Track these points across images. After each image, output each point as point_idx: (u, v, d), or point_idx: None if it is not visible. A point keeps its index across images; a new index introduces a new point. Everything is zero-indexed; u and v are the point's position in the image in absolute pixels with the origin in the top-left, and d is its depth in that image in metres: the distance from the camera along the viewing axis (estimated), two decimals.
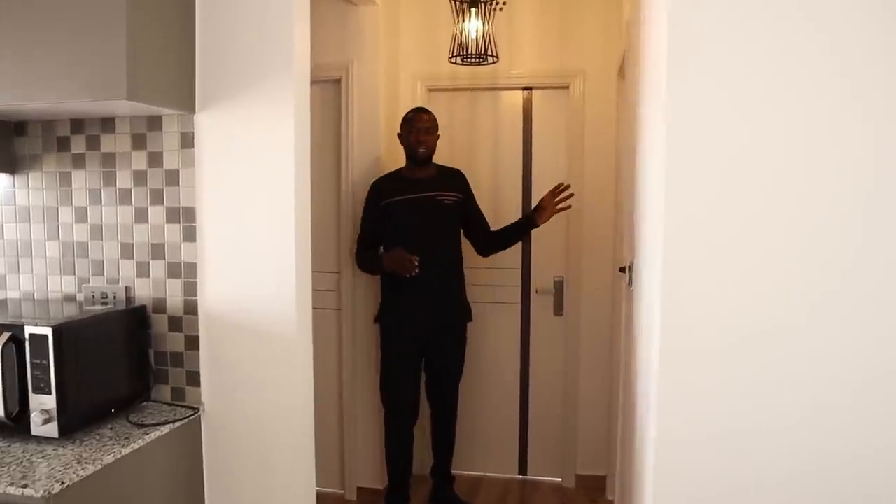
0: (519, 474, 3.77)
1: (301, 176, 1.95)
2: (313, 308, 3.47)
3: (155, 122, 1.98)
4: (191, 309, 2.01)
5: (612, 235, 3.46)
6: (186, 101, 1.93)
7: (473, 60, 3.07)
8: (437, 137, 3.16)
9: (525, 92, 3.60)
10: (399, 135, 3.17)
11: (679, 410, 1.46)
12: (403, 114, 3.57)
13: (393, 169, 3.31)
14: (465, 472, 3.63)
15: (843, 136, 1.35)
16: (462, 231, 3.27)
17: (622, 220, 2.74)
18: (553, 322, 3.65)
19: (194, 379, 2.02)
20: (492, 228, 3.33)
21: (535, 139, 3.61)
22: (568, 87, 3.51)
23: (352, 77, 3.29)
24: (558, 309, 3.61)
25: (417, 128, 3.08)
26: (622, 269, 2.49)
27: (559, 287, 3.60)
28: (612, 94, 3.41)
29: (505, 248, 3.33)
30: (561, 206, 3.13)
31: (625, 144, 2.57)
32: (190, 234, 1.99)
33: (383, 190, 3.16)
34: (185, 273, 2.00)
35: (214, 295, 1.98)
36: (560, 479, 3.70)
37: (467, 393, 3.34)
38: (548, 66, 3.50)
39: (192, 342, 2.02)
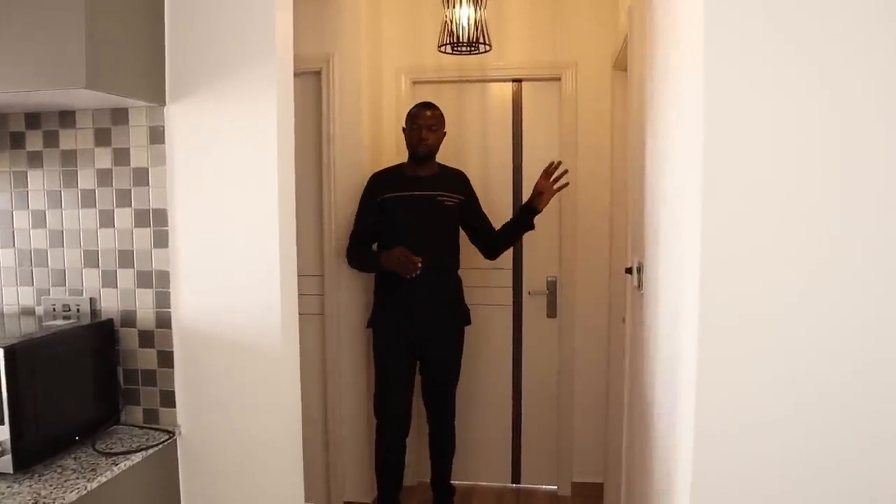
0: (512, 483, 3.62)
1: (285, 173, 1.77)
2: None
3: (120, 116, 1.79)
4: (163, 322, 1.81)
5: (608, 234, 3.32)
6: (155, 92, 1.73)
7: (464, 49, 2.90)
8: (443, 135, 3.02)
9: (514, 84, 3.44)
10: (403, 129, 3.03)
11: (719, 410, 1.30)
12: (387, 108, 3.43)
13: (382, 165, 3.17)
14: (457, 482, 3.46)
15: None
16: (467, 235, 3.14)
17: (627, 219, 2.59)
18: (546, 324, 3.50)
19: (169, 399, 1.83)
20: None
21: (525, 134, 3.46)
22: (559, 79, 3.35)
23: (332, 69, 3.11)
24: (552, 311, 3.47)
25: (419, 124, 2.93)
26: (628, 271, 2.34)
27: (552, 288, 3.45)
28: (606, 86, 3.27)
29: (511, 244, 3.20)
30: (558, 185, 2.96)
31: (632, 139, 2.41)
32: (161, 240, 1.79)
33: (381, 184, 3.02)
34: (157, 282, 1.81)
35: (189, 306, 1.79)
36: (555, 488, 3.56)
37: (459, 395, 3.18)
38: (538, 57, 3.35)
39: (166, 359, 1.82)
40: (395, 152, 3.40)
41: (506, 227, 3.12)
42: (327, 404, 3.26)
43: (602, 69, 3.27)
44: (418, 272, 2.81)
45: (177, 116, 1.75)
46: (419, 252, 2.86)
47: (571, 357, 3.47)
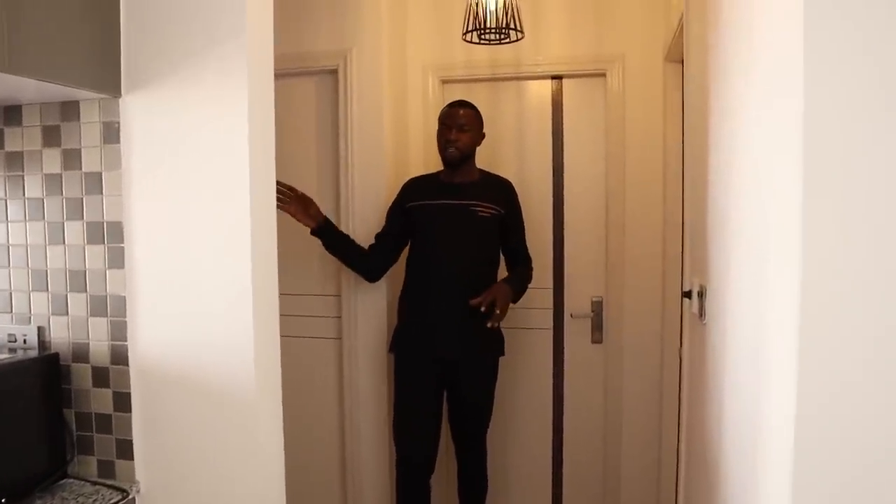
0: None
1: (261, 179, 1.45)
2: (310, 337, 3.02)
3: (70, 110, 1.50)
4: (119, 357, 1.51)
5: (660, 250, 2.93)
6: (108, 80, 1.44)
7: (493, 37, 2.55)
8: (481, 137, 2.68)
9: (554, 82, 3.08)
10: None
11: (821, 462, 0.93)
12: (413, 110, 3.11)
13: (407, 174, 2.88)
14: None
15: None
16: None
17: (684, 234, 2.20)
18: (591, 350, 3.11)
19: (126, 450, 1.53)
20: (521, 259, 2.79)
21: (566, 137, 3.09)
22: (604, 75, 2.98)
23: (350, 67, 2.80)
24: (597, 335, 3.09)
25: (448, 124, 2.60)
26: (685, 294, 1.96)
27: (598, 310, 3.07)
28: (657, 81, 2.89)
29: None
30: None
31: (692, 141, 2.04)
32: (116, 259, 1.49)
33: (412, 191, 2.71)
34: (112, 310, 1.51)
35: (149, 339, 1.49)
36: None
37: (491, 433, 2.82)
38: (580, 51, 2.98)
39: (123, 401, 1.52)
40: (422, 159, 3.07)
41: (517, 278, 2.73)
42: (345, 439, 2.94)
43: (652, 62, 2.89)
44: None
45: (134, 110, 1.46)
46: (450, 268, 2.56)
47: (619, 388, 3.07)
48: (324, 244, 2.62)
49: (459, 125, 2.58)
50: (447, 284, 2.58)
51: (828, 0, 0.88)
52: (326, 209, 2.67)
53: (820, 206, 0.88)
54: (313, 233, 2.59)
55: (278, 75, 2.85)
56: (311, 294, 2.96)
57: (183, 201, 1.44)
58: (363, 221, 2.80)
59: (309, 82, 2.91)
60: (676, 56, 2.70)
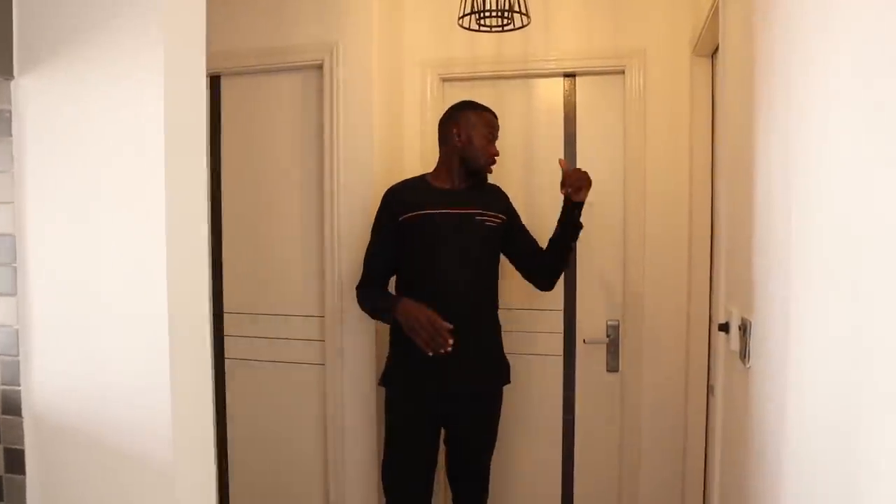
0: None
1: (183, 179, 1.14)
2: (289, 362, 2.71)
3: None
4: (11, 406, 1.21)
5: (685, 267, 2.60)
6: None
7: (494, 20, 2.23)
8: None
9: (566, 79, 2.77)
10: (455, 132, 2.32)
11: None
12: (409, 112, 2.80)
13: (397, 177, 2.53)
14: None
15: None
16: (514, 265, 2.47)
17: (717, 254, 1.87)
18: (606, 380, 2.78)
19: None
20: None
21: (580, 142, 2.77)
22: (623, 72, 2.67)
23: (336, 62, 2.51)
24: (613, 363, 2.75)
25: (493, 136, 2.34)
26: (722, 328, 1.62)
27: (614, 335, 2.74)
28: (683, 78, 2.58)
29: (564, 264, 2.44)
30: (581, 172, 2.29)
31: (730, 144, 1.71)
32: (6, 282, 1.19)
33: (401, 201, 2.31)
34: (2, 346, 1.20)
35: (47, 383, 1.18)
36: None
37: (493, 471, 2.49)
38: (596, 45, 2.67)
39: (15, 461, 1.21)
40: (418, 164, 2.75)
41: (552, 242, 2.40)
42: (328, 479, 2.63)
43: (677, 56, 2.57)
44: (448, 350, 2.10)
45: (29, 95, 1.16)
46: (453, 288, 2.24)
47: (637, 423, 2.73)
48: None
49: (496, 137, 2.36)
50: (452, 307, 2.21)
51: None
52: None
53: None
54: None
55: (258, 71, 2.64)
56: (291, 315, 2.66)
57: (88, 209, 1.14)
58: (348, 230, 2.50)
59: (292, 79, 2.62)
60: (706, 49, 2.40)
